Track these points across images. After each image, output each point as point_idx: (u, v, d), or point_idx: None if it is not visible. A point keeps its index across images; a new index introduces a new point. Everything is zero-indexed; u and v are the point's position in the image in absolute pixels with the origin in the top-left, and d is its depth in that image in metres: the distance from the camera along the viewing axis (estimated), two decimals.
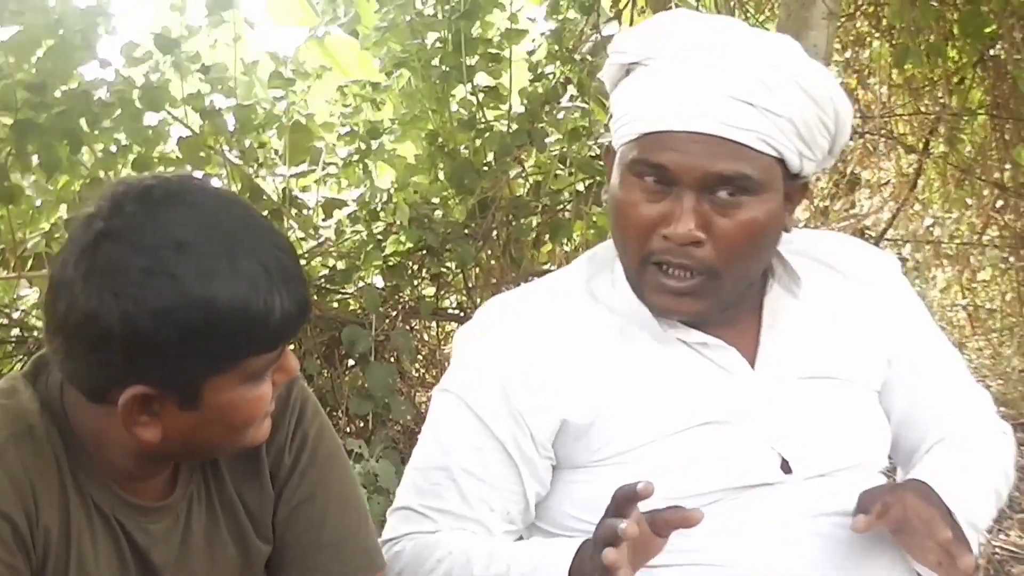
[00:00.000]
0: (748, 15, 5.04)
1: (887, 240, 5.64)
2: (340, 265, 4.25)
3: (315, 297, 4.14)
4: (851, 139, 5.36)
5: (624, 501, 1.73)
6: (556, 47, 4.65)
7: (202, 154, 4.16)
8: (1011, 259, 5.45)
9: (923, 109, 5.28)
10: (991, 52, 5.20)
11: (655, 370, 2.05)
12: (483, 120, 4.44)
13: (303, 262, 4.13)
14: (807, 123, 1.92)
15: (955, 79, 5.27)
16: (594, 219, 4.34)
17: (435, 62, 4.39)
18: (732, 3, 4.83)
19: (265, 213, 4.24)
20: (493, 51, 4.42)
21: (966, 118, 5.38)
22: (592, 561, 1.78)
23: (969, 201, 5.60)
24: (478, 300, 4.13)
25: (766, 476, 2.00)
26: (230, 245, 1.54)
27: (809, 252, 2.16)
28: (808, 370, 2.09)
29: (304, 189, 4.41)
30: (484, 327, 2.19)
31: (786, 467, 2.02)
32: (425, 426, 2.17)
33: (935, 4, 4.98)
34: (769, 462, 2.03)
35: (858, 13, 5.24)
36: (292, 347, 3.58)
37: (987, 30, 4.98)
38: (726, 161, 1.89)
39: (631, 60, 2.01)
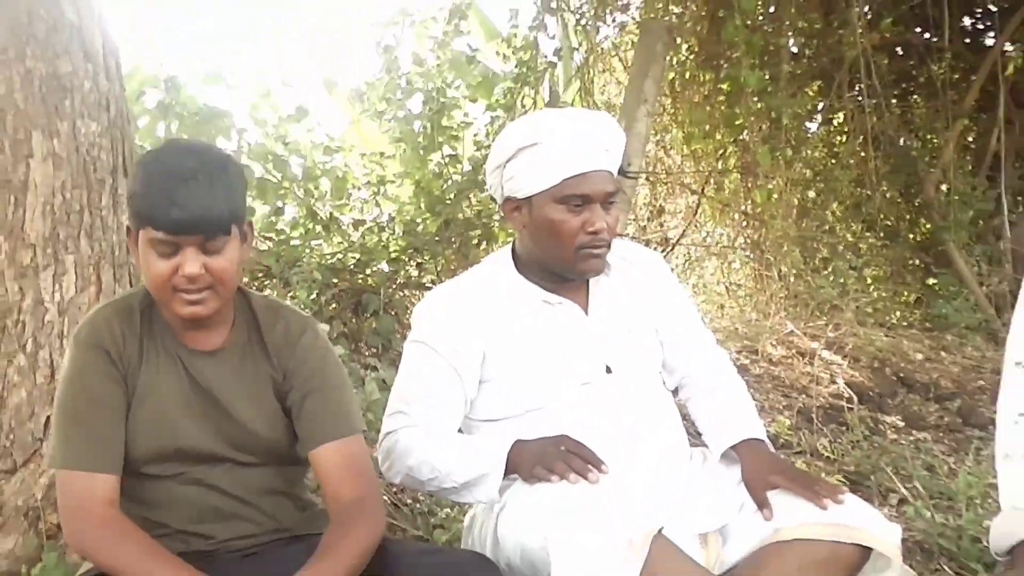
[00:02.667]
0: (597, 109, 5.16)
1: (680, 244, 5.95)
2: (362, 257, 4.70)
3: (347, 276, 4.55)
4: (659, 184, 6.37)
5: (581, 449, 2.19)
6: (491, 130, 5.11)
7: (281, 191, 4.69)
8: (751, 256, 6.01)
9: (700, 169, 5.88)
10: (742, 136, 5.67)
11: (533, 317, 2.44)
12: (448, 174, 4.96)
13: (339, 258, 4.64)
14: (619, 159, 2.37)
15: (720, 152, 5.85)
16: (509, 232, 4.65)
17: (420, 140, 4.96)
18: (588, 104, 5.35)
19: (318, 228, 4.77)
20: (454, 133, 4.99)
21: (726, 175, 5.95)
22: (556, 450, 2.22)
23: (727, 222, 6.11)
24: (443, 278, 4.47)
25: (596, 376, 2.41)
26: (181, 174, 1.86)
27: (616, 252, 2.49)
28: (617, 314, 2.50)
29: (341, 213, 4.89)
30: (435, 300, 2.50)
31: (608, 370, 2.43)
32: (402, 363, 2.45)
33: (708, 108, 5.64)
34: (598, 367, 2.42)
35: (663, 112, 5.76)
36: (324, 303, 4.32)
37: (738, 123, 5.55)
38: (611, 184, 2.33)
39: (528, 144, 2.34)
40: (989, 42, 6.16)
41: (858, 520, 2.28)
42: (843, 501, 2.24)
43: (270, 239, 4.68)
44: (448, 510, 3.04)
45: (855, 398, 4.50)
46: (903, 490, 3.37)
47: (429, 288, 4.55)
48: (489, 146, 4.94)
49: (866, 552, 2.29)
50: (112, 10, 3.07)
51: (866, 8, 5.90)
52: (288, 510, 2.13)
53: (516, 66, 5.13)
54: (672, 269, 5.76)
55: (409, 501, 3.19)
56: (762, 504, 2.28)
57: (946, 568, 2.85)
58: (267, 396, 2.06)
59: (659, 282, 2.63)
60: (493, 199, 2.56)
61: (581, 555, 2.01)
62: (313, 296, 4.27)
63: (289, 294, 4.16)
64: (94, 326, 1.98)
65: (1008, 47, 5.89)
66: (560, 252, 2.35)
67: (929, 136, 6.02)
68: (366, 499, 2.02)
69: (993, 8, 6.21)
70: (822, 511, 2.24)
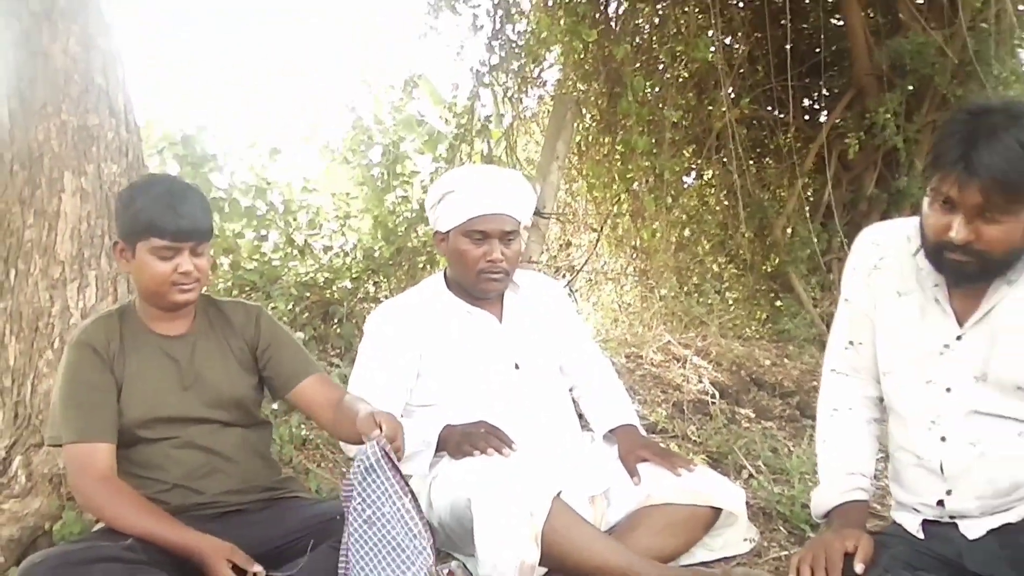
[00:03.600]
0: (515, 165, 5.36)
1: (583, 271, 5.96)
2: (330, 276, 4.61)
3: (318, 291, 4.46)
4: (567, 223, 6.46)
5: (496, 431, 2.27)
6: (435, 177, 4.93)
7: (266, 221, 4.66)
8: (638, 281, 6.06)
9: (599, 212, 5.93)
10: (633, 187, 5.75)
11: (459, 324, 2.46)
12: (400, 211, 4.95)
13: (311, 276, 4.57)
14: (528, 207, 2.46)
15: (615, 199, 5.89)
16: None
17: (378, 183, 4.96)
18: (512, 159, 5.31)
19: (295, 252, 4.74)
20: (406, 179, 5.00)
21: (620, 217, 6.01)
22: (477, 432, 2.26)
23: (620, 254, 6.15)
24: (395, 294, 4.07)
25: (507, 372, 2.45)
26: (173, 195, 1.95)
27: (528, 279, 2.60)
28: (526, 324, 2.53)
29: (314, 240, 4.85)
30: (382, 312, 2.53)
31: (517, 367, 2.46)
32: (356, 360, 2.49)
33: (606, 165, 5.72)
34: (509, 365, 2.46)
35: (571, 166, 5.79)
36: (299, 313, 4.36)
37: (629, 176, 5.61)
38: (509, 224, 2.39)
39: (448, 191, 2.40)
40: (823, 118, 6.27)
41: (711, 487, 2.37)
42: (693, 470, 2.33)
43: (255, 260, 4.62)
44: None
45: (717, 394, 4.48)
46: (750, 467, 3.40)
47: (383, 302, 4.48)
48: None
49: (718, 512, 2.38)
50: (133, 74, 3.14)
51: (730, 90, 5.96)
52: (261, 468, 2.17)
53: (456, 127, 5.14)
54: (576, 290, 5.90)
55: None
56: (632, 473, 2.37)
57: (781, 528, 2.87)
58: (232, 363, 2.13)
59: (560, 306, 2.69)
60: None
61: (497, 511, 2.07)
62: (290, 307, 4.24)
63: (270, 305, 4.13)
64: (83, 331, 2.04)
65: (836, 124, 5.99)
66: (466, 274, 2.42)
67: (778, 190, 6.08)
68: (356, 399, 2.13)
69: (826, 92, 6.31)
70: (685, 481, 2.32)
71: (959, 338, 1.87)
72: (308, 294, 4.42)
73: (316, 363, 2.23)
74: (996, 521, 1.82)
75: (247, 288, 4.33)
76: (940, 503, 1.88)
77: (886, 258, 1.97)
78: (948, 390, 1.87)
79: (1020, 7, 4.60)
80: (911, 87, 5.57)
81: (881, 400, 2.06)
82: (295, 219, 4.79)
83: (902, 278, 1.93)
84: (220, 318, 2.17)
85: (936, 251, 1.79)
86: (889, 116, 5.36)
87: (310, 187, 5.01)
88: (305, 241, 4.76)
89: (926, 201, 1.79)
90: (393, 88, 5.44)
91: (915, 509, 1.95)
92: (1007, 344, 1.80)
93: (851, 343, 2.07)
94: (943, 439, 1.88)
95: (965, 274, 1.77)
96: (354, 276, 4.74)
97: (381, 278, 4.76)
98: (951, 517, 1.88)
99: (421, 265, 4.79)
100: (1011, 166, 1.65)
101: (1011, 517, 1.82)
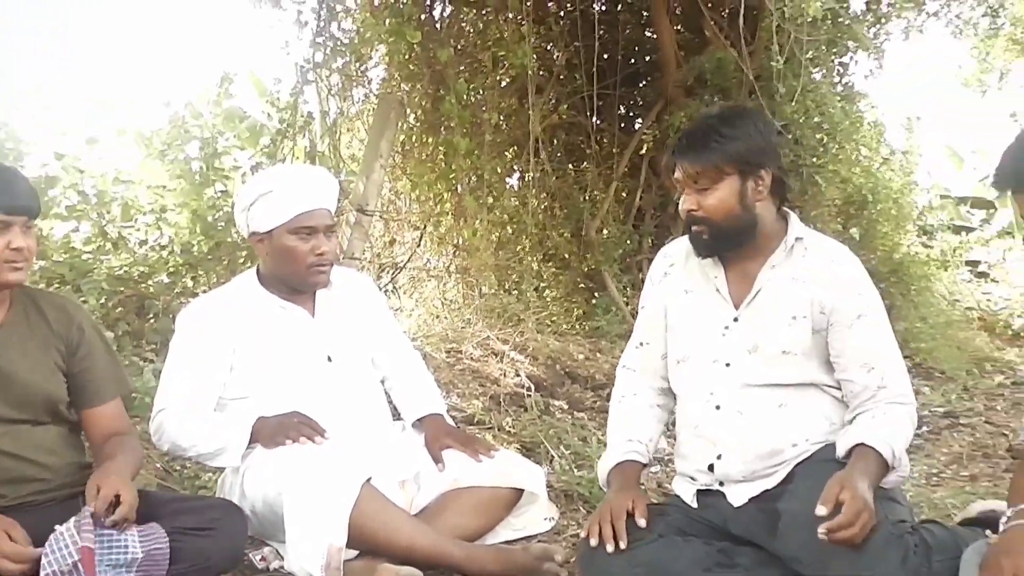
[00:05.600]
0: (339, 162, 5.35)
1: (407, 268, 5.98)
2: (145, 271, 4.53)
3: (132, 286, 4.39)
4: (391, 221, 6.30)
5: (308, 421, 2.36)
6: (255, 171, 4.76)
7: (76, 213, 4.56)
8: (460, 278, 6.09)
9: (423, 210, 5.98)
10: (455, 187, 5.82)
11: (272, 319, 2.51)
12: (220, 206, 4.81)
13: (125, 270, 4.48)
14: (335, 200, 2.54)
15: (438, 198, 5.94)
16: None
17: (196, 177, 4.84)
18: (336, 157, 5.31)
19: (108, 246, 4.62)
20: (225, 174, 4.93)
21: (443, 216, 6.03)
22: (291, 422, 2.35)
23: (443, 252, 6.18)
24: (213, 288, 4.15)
25: (320, 364, 2.52)
26: (2, 171, 1.96)
27: (341, 274, 2.65)
28: (338, 318, 2.60)
29: (129, 233, 4.75)
30: (194, 307, 2.61)
31: (329, 360, 2.54)
32: (168, 355, 2.53)
33: (430, 164, 5.79)
34: (321, 358, 2.53)
35: (395, 165, 5.80)
36: (111, 308, 4.26)
37: (452, 177, 5.73)
38: (329, 219, 2.49)
39: (265, 192, 2.44)
40: (637, 125, 6.58)
41: (513, 469, 2.56)
42: (494, 456, 2.50)
43: (65, 253, 4.47)
44: (210, 474, 3.03)
45: (533, 387, 4.60)
46: (556, 454, 3.60)
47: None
48: None
49: (520, 493, 2.57)
50: None
51: (551, 96, 6.21)
52: (73, 469, 2.12)
53: (279, 122, 5.09)
54: (400, 286, 5.96)
55: (178, 468, 3.16)
56: (437, 460, 2.51)
57: (581, 508, 3.07)
58: (46, 360, 2.07)
59: (371, 300, 2.80)
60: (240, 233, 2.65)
61: (307, 497, 2.18)
62: (101, 301, 4.14)
63: (80, 299, 4.02)
64: None
65: (647, 131, 6.32)
66: (296, 270, 2.49)
67: (594, 193, 6.26)
68: (130, 430, 2.16)
69: (640, 101, 6.65)
70: (489, 464, 2.50)
71: (736, 320, 2.17)
72: (122, 288, 4.33)
73: (123, 383, 2.21)
74: (756, 488, 2.12)
75: (55, 281, 4.20)
76: (711, 467, 2.16)
77: (675, 264, 2.28)
78: (727, 365, 2.16)
79: (807, 36, 5.01)
80: (713, 100, 5.95)
81: (666, 391, 2.34)
82: (108, 211, 4.70)
83: (689, 278, 2.24)
84: (36, 312, 2.09)
85: (688, 232, 2.15)
86: (683, 126, 5.66)
87: (123, 178, 4.94)
88: (119, 234, 4.67)
89: None
90: (215, 83, 5.29)
91: (692, 479, 2.23)
92: (771, 318, 2.12)
93: (641, 344, 2.36)
94: (718, 408, 2.16)
95: (705, 244, 2.12)
96: (171, 271, 4.67)
97: (199, 273, 4.69)
98: (720, 484, 2.16)
99: (241, 260, 4.72)
100: (691, 141, 2.09)
101: (769, 484, 2.11)
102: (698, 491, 2.22)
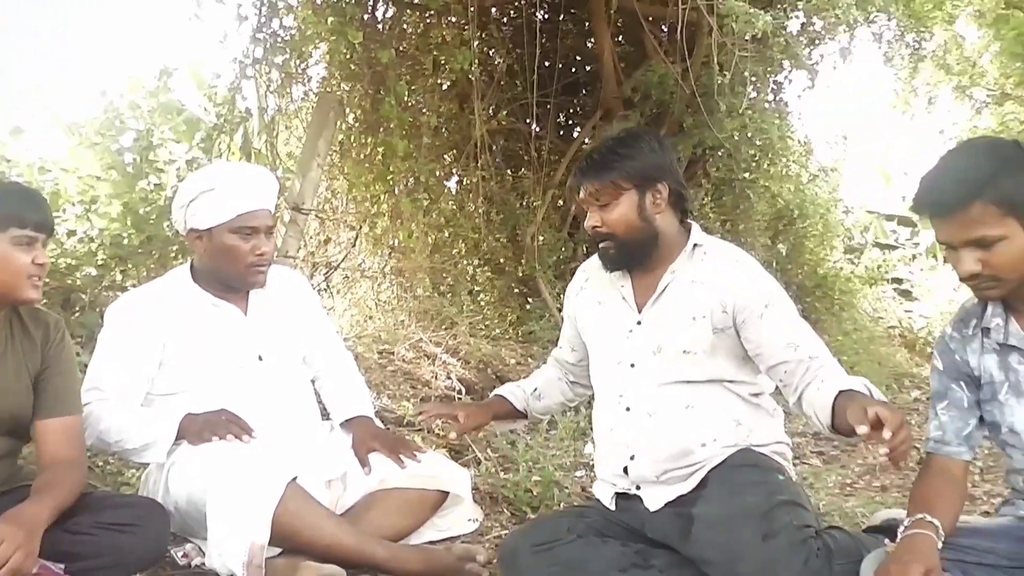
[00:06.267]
0: (276, 160, 5.29)
1: (341, 268, 5.92)
2: (73, 262, 4.39)
3: (59, 277, 4.28)
4: (327, 220, 6.37)
5: (236, 419, 2.37)
6: (191, 167, 4.73)
7: None
8: (395, 280, 6.14)
9: (359, 211, 5.96)
10: (393, 188, 5.86)
11: (203, 316, 2.52)
12: (153, 199, 4.70)
13: (52, 261, 4.39)
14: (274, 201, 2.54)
15: (375, 199, 5.93)
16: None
17: (129, 169, 4.76)
18: (273, 154, 5.26)
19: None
20: (160, 167, 4.79)
21: (379, 217, 5.97)
22: (218, 420, 2.36)
23: (379, 253, 6.18)
24: (144, 283, 4.02)
25: (250, 363, 2.54)
26: (25, 190, 2.06)
27: (275, 272, 2.65)
28: (271, 317, 2.62)
29: (56, 223, 4.91)
30: (124, 301, 2.59)
31: (260, 359, 2.56)
32: (96, 348, 2.52)
33: (367, 165, 5.78)
34: (252, 356, 2.55)
35: (333, 165, 5.75)
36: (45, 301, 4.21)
37: (389, 178, 5.74)
38: (270, 219, 2.52)
39: (206, 189, 2.45)
40: (575, 134, 6.66)
41: (438, 471, 2.60)
42: (420, 460, 2.55)
43: None
44: (133, 471, 3.01)
45: (464, 390, 4.65)
46: (482, 456, 3.65)
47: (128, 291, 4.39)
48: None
49: (445, 494, 2.61)
50: None
51: (491, 101, 6.26)
52: (11, 470, 2.16)
53: (216, 117, 5.04)
54: (333, 286, 5.94)
55: (101, 464, 3.13)
56: (364, 462, 2.55)
57: (505, 511, 3.13)
58: (25, 377, 2.09)
59: (304, 299, 2.82)
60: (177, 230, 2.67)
61: (231, 495, 2.19)
62: None
63: None
64: None
65: (584, 141, 6.38)
66: (235, 269, 2.51)
67: (531, 200, 6.34)
68: (78, 460, 2.11)
69: (580, 110, 6.75)
70: (415, 466, 2.55)
71: (639, 323, 2.30)
72: (47, 280, 4.22)
73: (78, 404, 2.19)
74: (672, 493, 2.21)
75: None
76: (626, 470, 2.25)
77: (590, 279, 2.46)
78: (632, 366, 2.28)
79: (745, 52, 5.14)
80: (652, 112, 6.07)
81: (573, 383, 2.63)
82: None
83: (601, 290, 2.40)
84: (21, 328, 2.10)
85: (596, 248, 2.29)
86: None
87: (48, 167, 4.80)
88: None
89: None
90: (154, 74, 5.23)
91: (611, 483, 2.32)
92: (673, 320, 2.25)
93: (560, 346, 2.64)
94: (628, 409, 2.27)
95: (612, 258, 2.26)
96: (99, 264, 4.57)
97: (129, 267, 4.60)
98: (637, 487, 2.24)
99: (173, 255, 4.63)
100: (591, 162, 2.26)
101: (684, 489, 2.20)
102: (617, 495, 2.31)
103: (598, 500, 2.36)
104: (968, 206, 1.68)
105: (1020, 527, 1.86)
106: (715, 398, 2.23)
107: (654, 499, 2.22)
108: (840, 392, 1.93)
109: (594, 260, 2.44)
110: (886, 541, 1.93)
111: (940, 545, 1.73)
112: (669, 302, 2.25)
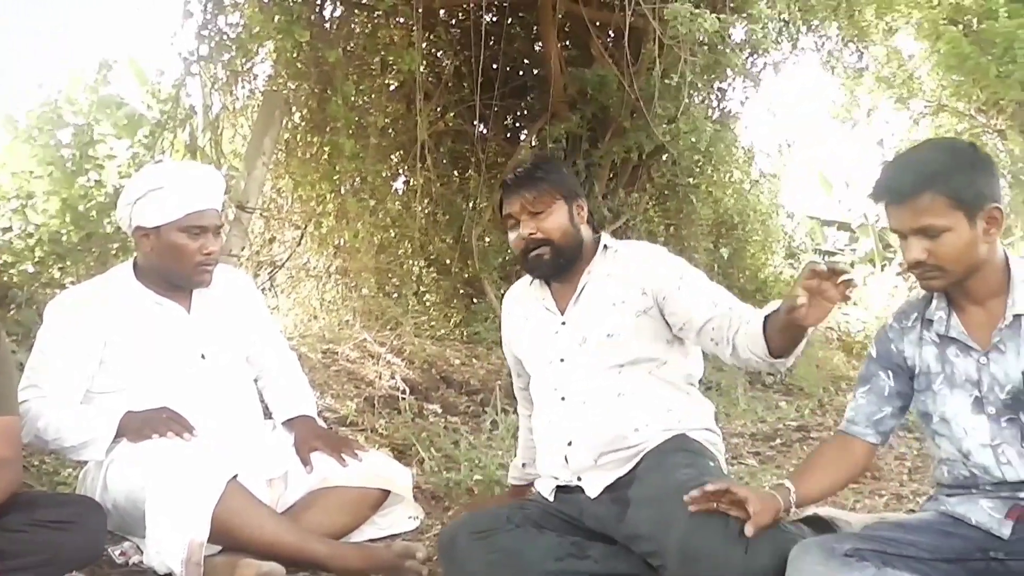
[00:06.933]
0: (220, 158, 5.15)
1: (286, 267, 5.97)
2: (8, 259, 4.42)
3: None
4: (272, 219, 6.27)
5: (177, 417, 2.36)
6: (133, 164, 4.75)
7: None
8: (340, 280, 6.14)
9: (305, 210, 5.95)
10: (339, 188, 5.81)
11: (146, 314, 2.50)
12: (93, 196, 4.69)
13: None
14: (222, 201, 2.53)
15: (321, 198, 5.90)
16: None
17: (68, 165, 4.69)
18: (218, 152, 5.12)
19: None
20: (99, 163, 4.74)
21: (325, 216, 5.96)
22: (159, 418, 2.35)
23: (324, 253, 6.10)
24: (83, 281, 3.91)
25: (193, 361, 2.55)
26: None
27: (220, 271, 2.63)
28: (214, 315, 2.61)
29: None
30: (64, 298, 2.59)
31: (203, 357, 2.56)
32: (35, 345, 2.52)
33: (313, 164, 5.73)
34: (195, 355, 2.53)
35: (279, 163, 5.76)
36: None
37: (335, 178, 5.71)
38: (219, 219, 2.52)
39: (155, 187, 2.43)
40: (522, 137, 6.67)
41: (380, 470, 2.63)
42: (361, 459, 2.57)
43: None
44: (70, 470, 2.99)
45: (408, 390, 4.66)
46: (425, 456, 3.68)
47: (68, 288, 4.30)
48: (131, 175, 4.65)
49: (386, 493, 2.64)
50: None
51: (438, 103, 6.28)
52: None
53: (160, 114, 4.99)
54: (277, 285, 5.92)
55: (37, 463, 3.11)
56: (305, 461, 2.57)
57: (450, 509, 3.16)
58: None
59: (248, 298, 2.82)
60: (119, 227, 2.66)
61: (170, 492, 2.19)
62: None
63: None
64: None
65: (531, 144, 6.42)
66: (182, 268, 2.50)
67: (477, 200, 6.34)
68: (12, 459, 2.09)
69: (527, 113, 6.78)
70: (358, 465, 2.58)
71: (564, 323, 2.45)
72: None
73: (13, 404, 2.15)
74: (610, 477, 2.30)
75: None
76: (566, 459, 2.34)
77: (514, 303, 2.63)
78: (562, 361, 2.42)
79: (690, 57, 5.23)
80: (595, 116, 6.14)
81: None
82: None
83: (526, 309, 2.57)
84: None
85: (525, 261, 2.44)
86: (564, 140, 5.90)
87: None
88: None
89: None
90: (93, 68, 5.15)
91: (553, 477, 2.40)
92: (594, 310, 2.41)
93: (514, 378, 2.79)
94: (563, 399, 2.39)
95: (545, 263, 2.40)
96: (37, 260, 4.54)
97: (68, 264, 4.57)
98: (578, 479, 2.33)
99: (113, 252, 4.60)
100: (520, 177, 2.43)
101: (621, 472, 2.30)
102: (558, 488, 2.38)
103: (539, 493, 2.44)
104: (920, 195, 1.79)
105: (942, 521, 1.93)
106: (646, 385, 2.34)
107: (594, 486, 2.30)
108: (765, 319, 2.04)
109: (514, 288, 2.65)
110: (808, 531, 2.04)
111: (792, 510, 1.92)
112: (588, 298, 2.41)
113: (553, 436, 2.39)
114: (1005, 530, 1.82)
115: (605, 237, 2.51)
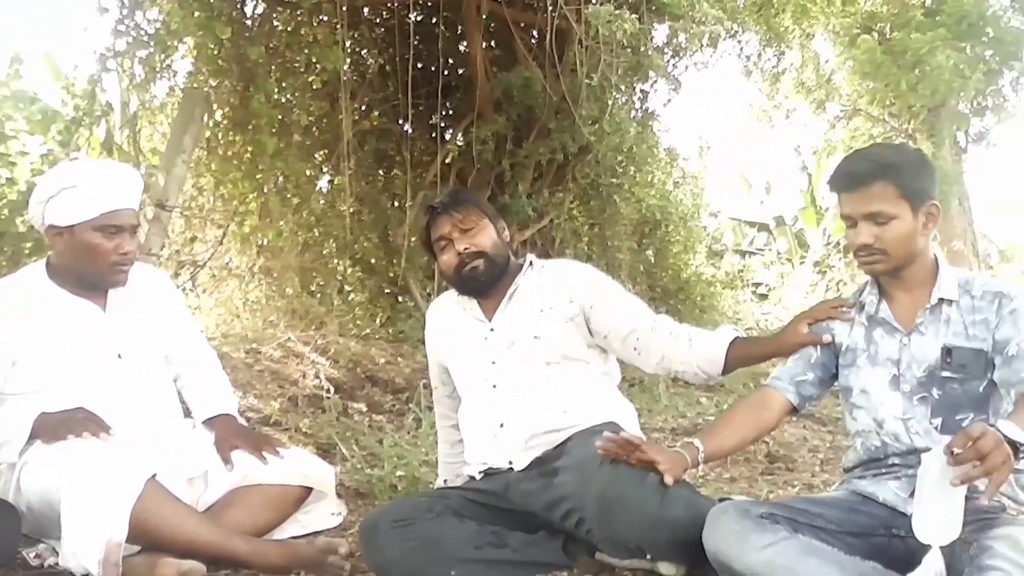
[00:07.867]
0: (138, 155, 5.09)
1: (207, 267, 5.84)
2: None
3: None
4: (193, 218, 6.11)
5: (93, 417, 2.32)
6: (46, 160, 4.57)
7: None
8: (263, 279, 6.08)
9: (227, 208, 5.82)
10: (262, 186, 5.76)
11: (60, 314, 2.47)
12: (4, 194, 4.47)
13: None
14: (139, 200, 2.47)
15: (244, 196, 5.76)
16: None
17: None
18: (136, 149, 5.08)
19: None
20: (11, 160, 4.55)
21: (248, 215, 5.82)
22: (75, 418, 2.31)
23: (247, 252, 6.09)
24: None
25: (109, 361, 2.49)
26: None
27: (137, 270, 2.57)
28: (131, 314, 2.56)
29: None
30: None
31: (120, 357, 2.50)
32: None
33: (236, 162, 5.60)
34: (111, 354, 2.51)
35: (200, 161, 5.58)
36: None
37: (258, 176, 5.62)
38: (135, 218, 2.47)
39: (68, 186, 2.39)
40: (448, 136, 6.69)
41: (302, 467, 2.65)
42: (282, 456, 2.58)
43: None
44: None
45: (332, 389, 4.67)
46: (347, 453, 3.71)
47: None
48: (44, 172, 4.50)
49: (308, 490, 2.65)
50: None
51: (363, 101, 6.32)
52: None
53: (75, 110, 4.86)
54: (199, 284, 5.84)
55: None
56: (226, 460, 2.56)
57: (370, 506, 3.16)
58: None
59: (166, 296, 2.80)
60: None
61: (86, 493, 2.17)
62: None
63: None
64: None
65: (456, 143, 6.48)
66: (96, 268, 2.47)
67: (403, 200, 6.37)
68: None
69: (452, 112, 6.81)
70: (280, 462, 2.58)
71: (492, 329, 2.61)
72: None
73: None
74: (540, 451, 2.43)
75: None
76: (496, 440, 2.47)
77: (440, 316, 2.76)
78: (493, 363, 2.56)
79: (612, 58, 5.32)
80: (519, 116, 6.21)
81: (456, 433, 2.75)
82: None
83: (452, 319, 2.68)
84: None
85: (458, 279, 2.56)
86: (490, 140, 5.98)
87: None
88: None
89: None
90: (4, 62, 5.13)
91: (483, 463, 2.52)
92: (522, 316, 2.57)
93: (436, 387, 2.89)
94: (494, 387, 2.54)
95: (479, 277, 2.53)
96: None
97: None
98: (509, 463, 2.45)
99: (27, 252, 4.48)
100: (449, 199, 2.60)
101: (549, 445, 2.44)
102: (487, 471, 2.49)
103: (469, 477, 2.54)
104: (872, 183, 2.00)
105: (851, 499, 2.11)
106: (574, 379, 2.51)
107: (522, 459, 2.44)
108: (731, 342, 2.34)
109: (439, 300, 2.79)
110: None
111: (699, 466, 2.14)
112: (517, 306, 2.57)
113: (485, 421, 2.51)
114: (910, 508, 1.93)
115: (531, 256, 2.69)
